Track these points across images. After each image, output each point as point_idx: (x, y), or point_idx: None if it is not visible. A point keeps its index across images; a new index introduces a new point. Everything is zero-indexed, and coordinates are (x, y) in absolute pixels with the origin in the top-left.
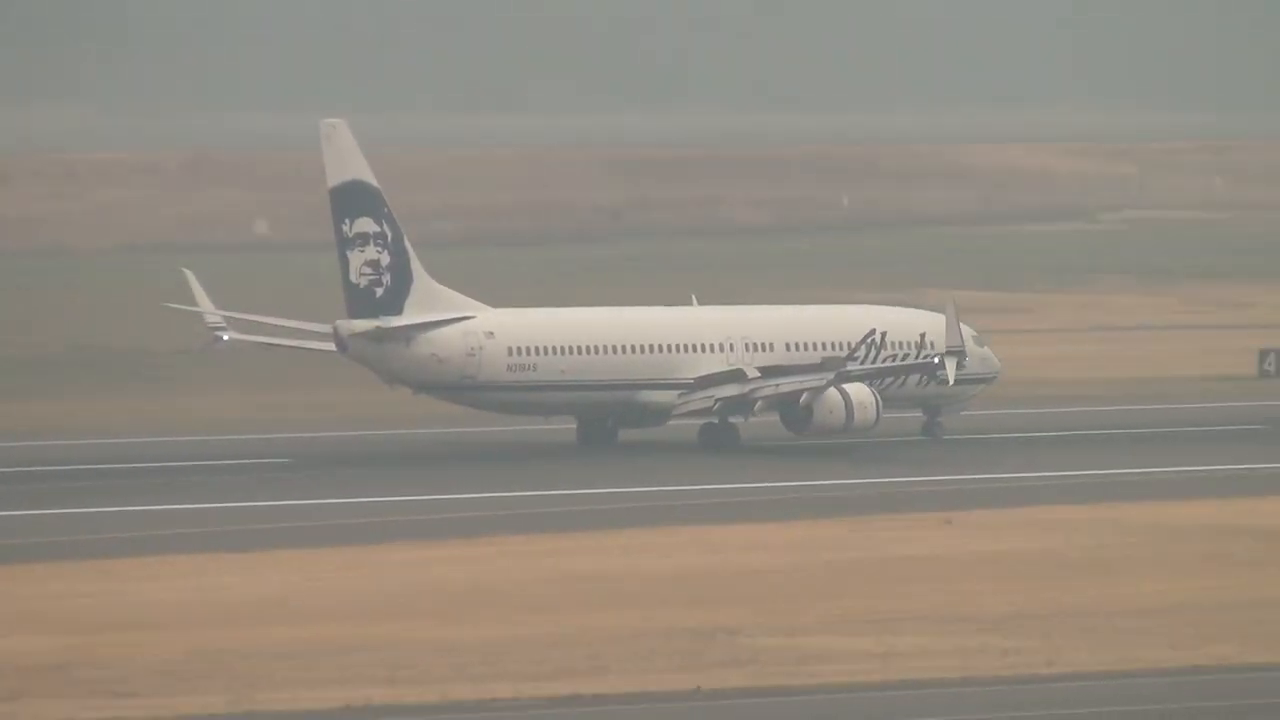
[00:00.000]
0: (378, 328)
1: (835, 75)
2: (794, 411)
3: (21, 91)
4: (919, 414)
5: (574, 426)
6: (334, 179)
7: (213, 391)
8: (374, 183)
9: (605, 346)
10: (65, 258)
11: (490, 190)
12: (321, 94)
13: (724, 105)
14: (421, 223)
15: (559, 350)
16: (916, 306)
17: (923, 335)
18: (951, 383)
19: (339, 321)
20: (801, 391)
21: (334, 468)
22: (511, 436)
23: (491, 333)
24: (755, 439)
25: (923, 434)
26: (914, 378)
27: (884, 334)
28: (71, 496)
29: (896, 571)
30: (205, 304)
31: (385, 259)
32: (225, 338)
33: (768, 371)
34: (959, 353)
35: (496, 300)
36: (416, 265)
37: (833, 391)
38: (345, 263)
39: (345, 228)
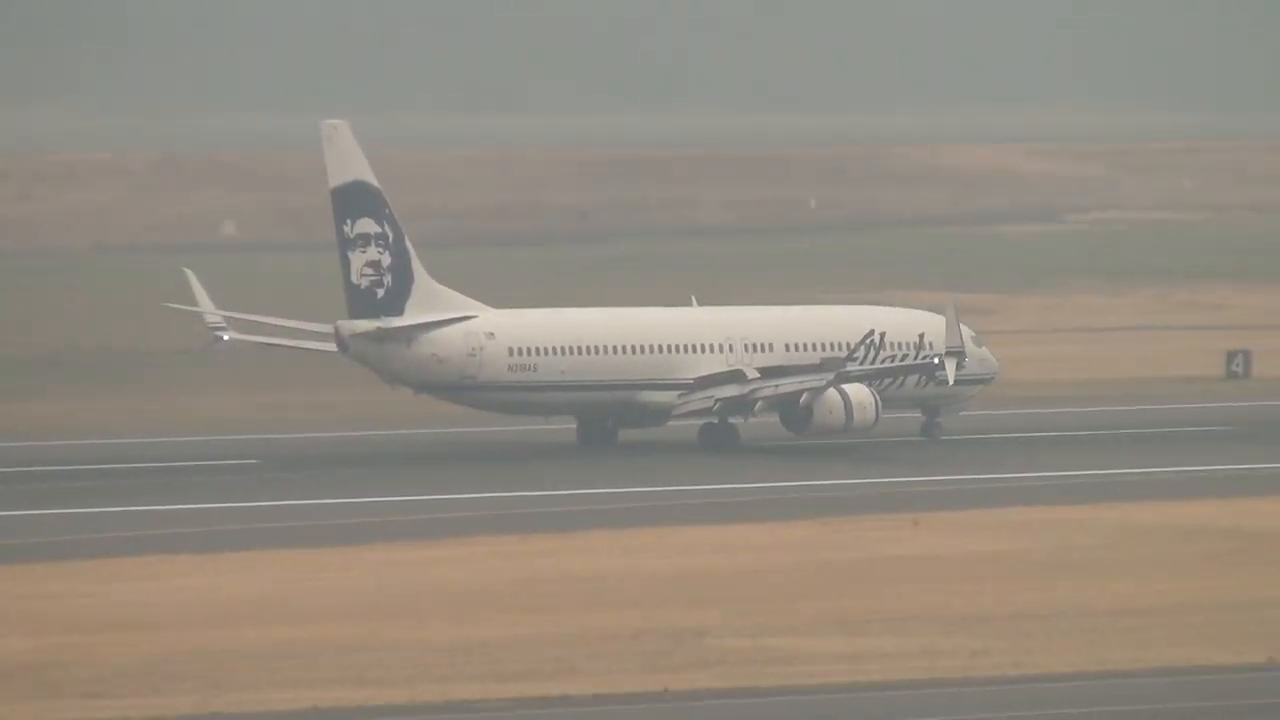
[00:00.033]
0: (379, 328)
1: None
2: (794, 412)
3: (15, 92)
4: (918, 414)
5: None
6: (335, 180)
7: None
8: (375, 183)
9: (605, 347)
10: (42, 258)
11: (460, 192)
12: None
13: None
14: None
15: (559, 351)
16: (902, 307)
17: (921, 336)
18: (951, 383)
19: (340, 322)
20: (801, 392)
21: (308, 468)
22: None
23: (492, 333)
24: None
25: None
26: (913, 378)
27: (883, 334)
28: (49, 498)
29: (866, 572)
30: (205, 304)
31: (386, 260)
32: (225, 338)
33: (767, 372)
34: (959, 353)
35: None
36: (417, 266)
37: (832, 392)
38: (346, 263)
39: (346, 228)
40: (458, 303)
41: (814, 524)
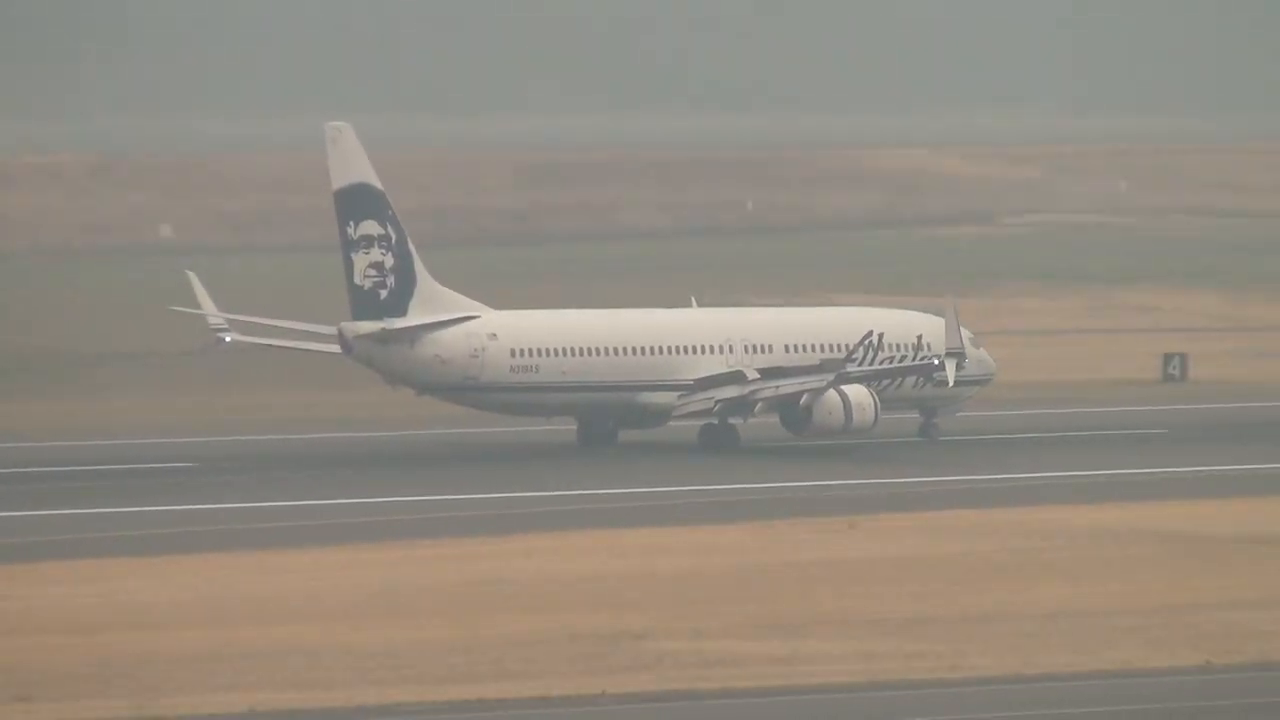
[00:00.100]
0: (382, 329)
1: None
2: (793, 413)
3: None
4: (916, 415)
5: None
6: (339, 181)
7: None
8: (378, 185)
9: (606, 348)
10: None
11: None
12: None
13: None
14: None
15: (561, 352)
16: (900, 309)
17: (919, 337)
18: (951, 384)
19: (344, 323)
20: (801, 393)
21: (247, 471)
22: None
23: (494, 334)
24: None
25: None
26: (911, 379)
27: (881, 336)
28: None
29: (804, 575)
30: (208, 306)
31: (389, 261)
32: (228, 339)
33: (767, 373)
34: (959, 354)
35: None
36: (420, 267)
37: (832, 393)
38: (350, 265)
39: (350, 230)
40: (460, 304)
41: (752, 526)
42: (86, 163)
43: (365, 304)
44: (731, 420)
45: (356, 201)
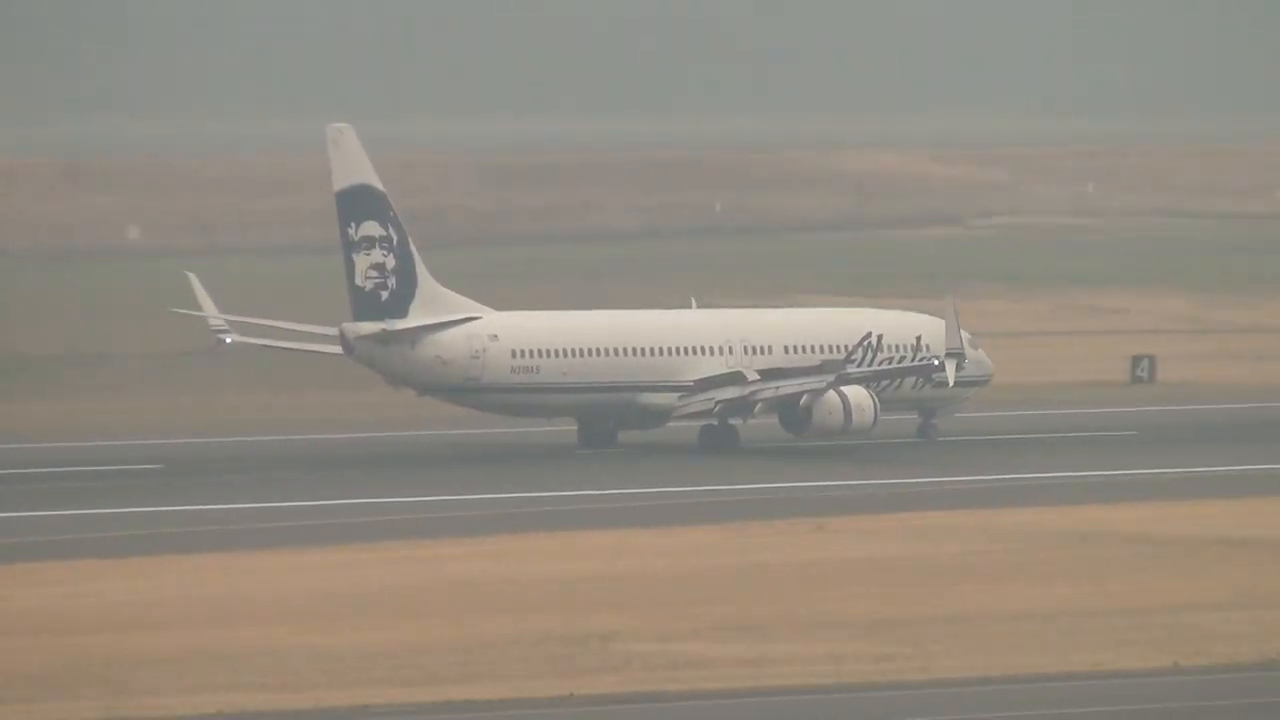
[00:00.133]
0: (383, 330)
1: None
2: (793, 413)
3: None
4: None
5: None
6: (340, 183)
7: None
8: (380, 187)
9: (607, 349)
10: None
11: None
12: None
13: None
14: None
15: (562, 353)
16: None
17: (918, 338)
18: (952, 384)
19: (345, 324)
20: (801, 394)
21: (209, 474)
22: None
23: (495, 335)
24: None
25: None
26: (910, 379)
27: (880, 337)
28: None
29: (773, 577)
30: (209, 307)
31: (391, 262)
32: (229, 340)
33: (767, 374)
34: (959, 355)
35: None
36: (421, 268)
37: (831, 394)
38: (351, 266)
39: (351, 231)
40: (461, 305)
41: (723, 528)
42: (56, 167)
43: (367, 305)
44: (731, 421)
45: (358, 202)
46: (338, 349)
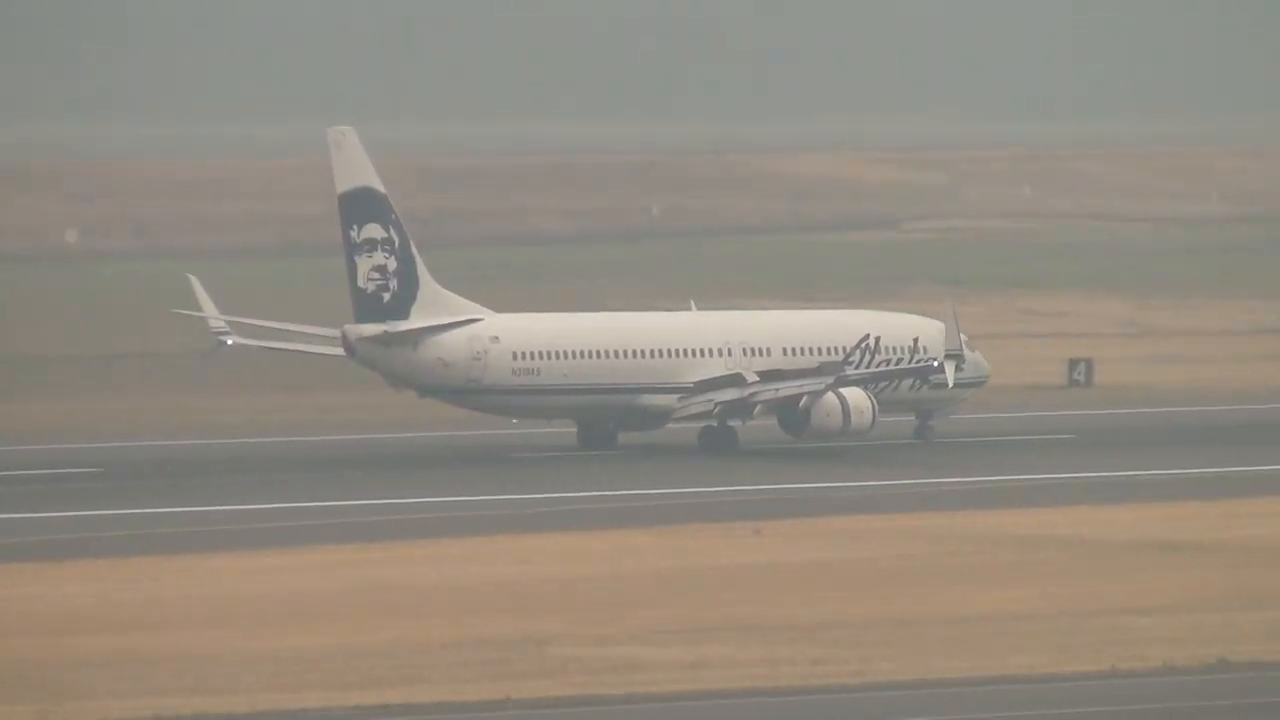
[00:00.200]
0: (385, 332)
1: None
2: (792, 415)
3: None
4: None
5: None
6: (342, 185)
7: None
8: (381, 189)
9: (607, 351)
10: None
11: (299, 199)
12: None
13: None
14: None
15: (562, 355)
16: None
17: (916, 340)
18: (951, 386)
19: (347, 326)
20: (799, 395)
21: (152, 476)
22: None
23: (497, 337)
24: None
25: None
26: (907, 381)
27: (878, 339)
28: None
29: (709, 580)
30: (209, 308)
31: (392, 264)
32: (229, 341)
33: (766, 376)
34: (958, 356)
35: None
36: (422, 270)
37: (830, 395)
38: (353, 268)
39: (353, 233)
40: (462, 306)
41: (658, 531)
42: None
43: (368, 307)
44: (731, 422)
45: (360, 205)
46: (339, 350)
